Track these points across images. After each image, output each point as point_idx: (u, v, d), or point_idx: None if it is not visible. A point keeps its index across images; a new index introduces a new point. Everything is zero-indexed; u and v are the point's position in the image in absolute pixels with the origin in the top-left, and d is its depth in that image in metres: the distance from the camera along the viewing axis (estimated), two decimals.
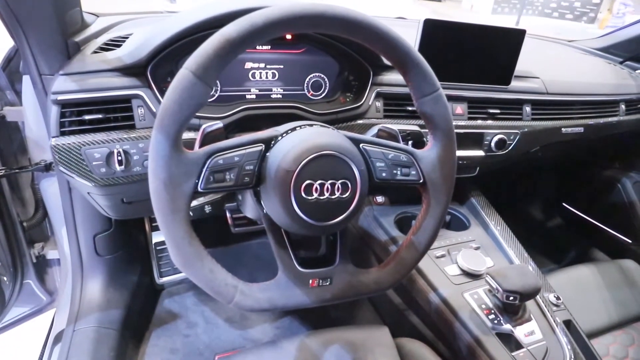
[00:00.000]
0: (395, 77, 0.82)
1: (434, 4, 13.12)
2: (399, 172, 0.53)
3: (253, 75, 0.76)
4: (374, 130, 0.62)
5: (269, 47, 0.76)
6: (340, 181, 0.47)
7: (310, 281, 0.52)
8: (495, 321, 0.73)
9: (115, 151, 0.64)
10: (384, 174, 0.53)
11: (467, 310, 0.75)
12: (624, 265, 1.05)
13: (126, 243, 1.06)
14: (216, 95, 0.75)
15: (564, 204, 1.52)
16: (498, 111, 0.92)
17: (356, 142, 0.51)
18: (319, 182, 0.46)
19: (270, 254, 0.54)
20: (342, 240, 0.55)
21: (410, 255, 0.56)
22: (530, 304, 0.77)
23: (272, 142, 0.49)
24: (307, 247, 0.57)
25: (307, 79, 0.80)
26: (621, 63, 1.25)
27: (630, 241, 1.28)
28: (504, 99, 0.93)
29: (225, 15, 0.63)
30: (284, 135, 0.49)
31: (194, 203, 0.76)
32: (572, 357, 0.69)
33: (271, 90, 0.79)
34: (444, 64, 0.85)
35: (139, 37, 0.70)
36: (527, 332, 0.72)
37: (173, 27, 0.64)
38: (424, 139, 0.72)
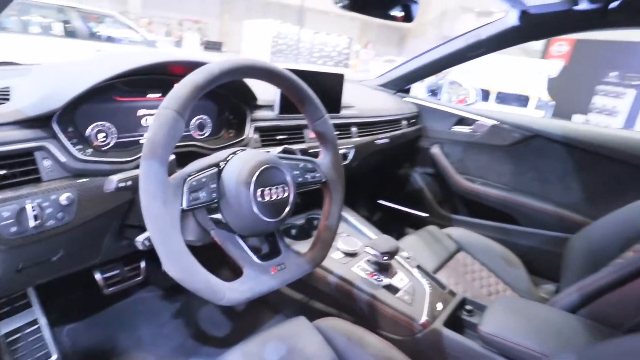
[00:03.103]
0: (266, 113, 1.06)
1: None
2: (309, 176, 0.77)
3: (146, 120, 0.86)
4: (278, 149, 0.84)
5: (160, 94, 0.88)
6: (280, 185, 0.67)
7: (271, 269, 0.68)
8: (379, 280, 1.03)
9: (29, 206, 0.63)
10: (299, 179, 0.75)
11: (358, 279, 1.02)
12: (430, 229, 1.55)
13: None
14: (112, 142, 0.81)
15: (378, 200, 2.05)
16: (337, 132, 1.28)
17: (281, 157, 0.72)
18: (268, 187, 0.65)
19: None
20: (280, 236, 0.74)
21: (329, 235, 0.79)
22: (393, 262, 1.11)
23: (222, 164, 0.64)
24: (254, 250, 0.73)
25: (193, 121, 0.95)
26: (395, 94, 1.86)
27: (427, 215, 1.87)
28: (338, 123, 1.30)
29: (141, 69, 0.74)
30: (228, 159, 0.66)
31: None
32: (427, 289, 1.05)
33: None
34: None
35: (38, 88, 0.71)
36: (399, 279, 1.04)
37: (90, 78, 0.70)
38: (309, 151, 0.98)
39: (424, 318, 0.94)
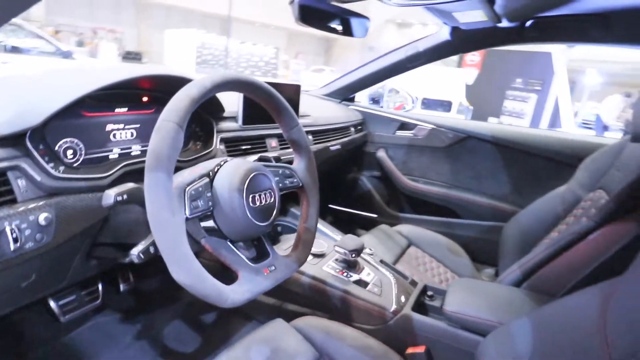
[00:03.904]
0: (230, 125, 1.10)
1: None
2: (287, 182, 0.83)
3: (114, 135, 0.86)
4: (254, 157, 0.88)
5: (127, 109, 0.88)
6: (267, 191, 0.72)
7: (264, 270, 0.72)
8: (349, 276, 1.11)
9: (7, 229, 0.62)
10: (280, 184, 0.81)
11: (330, 277, 1.09)
12: (382, 228, 1.66)
13: None
14: (81, 159, 0.80)
15: (329, 204, 2.15)
16: None
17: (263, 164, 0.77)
18: (257, 193, 0.70)
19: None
20: (267, 239, 0.78)
21: (309, 235, 0.85)
22: (359, 259, 1.19)
23: (211, 174, 0.68)
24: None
25: None
26: (340, 102, 1.97)
27: (376, 216, 2.00)
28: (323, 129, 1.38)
29: (116, 84, 0.75)
30: (217, 168, 0.69)
31: None
32: (392, 280, 1.15)
33: (130, 148, 0.90)
34: (254, 112, 1.19)
35: (7, 104, 0.69)
36: (366, 274, 1.13)
37: (67, 93, 0.69)
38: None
39: (393, 306, 1.03)
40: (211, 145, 1.02)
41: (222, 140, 1.06)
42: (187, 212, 0.60)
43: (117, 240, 0.85)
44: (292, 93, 1.31)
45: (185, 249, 0.57)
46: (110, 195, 0.62)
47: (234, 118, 1.13)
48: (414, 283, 1.17)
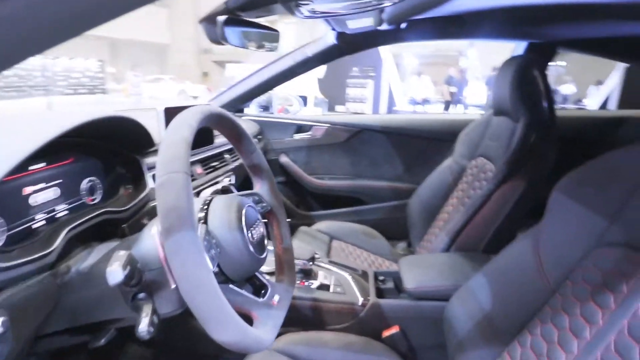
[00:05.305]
0: (156, 158, 0.99)
1: None
2: (259, 207, 0.81)
3: (34, 199, 0.71)
4: (210, 191, 0.83)
5: (44, 163, 0.73)
6: (257, 222, 0.70)
7: (272, 302, 0.71)
8: (310, 284, 1.13)
9: None
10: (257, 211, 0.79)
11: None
12: (302, 230, 1.68)
13: None
14: (4, 237, 0.64)
15: None
16: (215, 162, 1.29)
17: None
18: (252, 227, 0.68)
19: None
20: (260, 271, 0.76)
21: (289, 256, 0.85)
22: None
23: (204, 218, 0.63)
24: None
25: (82, 186, 0.82)
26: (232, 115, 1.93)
27: (290, 219, 2.04)
28: (216, 153, 1.32)
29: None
30: (206, 211, 0.65)
31: None
32: (347, 277, 1.22)
33: (54, 209, 0.75)
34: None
35: None
36: (324, 277, 1.18)
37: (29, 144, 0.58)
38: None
39: (360, 299, 1.11)
40: (144, 186, 0.92)
41: (153, 178, 0.96)
42: (212, 265, 0.55)
43: (73, 324, 0.70)
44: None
45: (227, 308, 0.53)
46: (117, 272, 0.52)
47: (156, 150, 1.03)
48: (364, 274, 1.27)
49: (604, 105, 8.89)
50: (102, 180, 0.87)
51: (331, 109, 8.69)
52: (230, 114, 0.73)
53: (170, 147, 0.54)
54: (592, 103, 9.04)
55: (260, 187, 0.85)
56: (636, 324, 0.58)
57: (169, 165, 0.52)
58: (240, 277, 0.68)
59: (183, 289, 0.50)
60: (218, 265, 0.64)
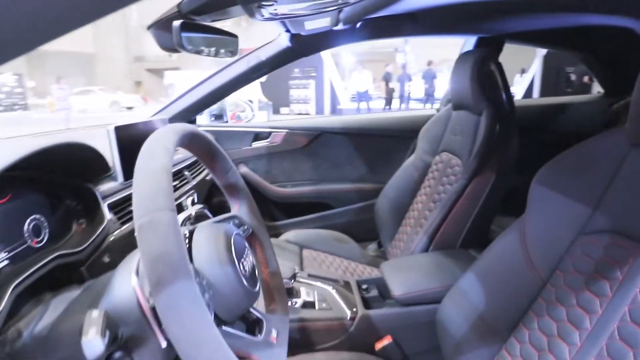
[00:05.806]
0: (110, 185, 0.88)
1: None
2: (241, 231, 0.73)
3: None
4: (185, 215, 0.74)
5: (9, 194, 0.61)
6: (245, 250, 0.63)
7: (270, 339, 0.64)
8: (294, 303, 1.07)
9: None
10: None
11: None
12: (283, 240, 1.65)
13: None
14: None
15: None
16: (176, 180, 1.18)
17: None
18: (242, 257, 0.60)
19: None
20: (254, 309, 0.69)
21: (278, 280, 0.78)
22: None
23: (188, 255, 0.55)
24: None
25: (25, 227, 0.70)
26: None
27: None
28: (175, 171, 1.21)
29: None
30: (187, 243, 0.57)
31: None
32: (331, 290, 1.16)
33: None
34: (131, 162, 0.99)
35: None
36: (306, 294, 1.11)
37: None
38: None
39: (348, 313, 1.06)
40: (101, 218, 0.80)
41: (111, 207, 0.85)
42: (210, 314, 0.47)
43: None
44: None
45: (229, 352, 0.45)
46: (95, 343, 0.42)
47: (109, 176, 0.91)
48: (347, 284, 1.22)
49: (529, 91, 9.65)
50: (49, 218, 0.74)
51: (276, 111, 8.60)
52: (204, 132, 0.65)
53: (149, 178, 0.45)
54: (518, 90, 9.75)
55: (238, 208, 0.77)
56: (637, 310, 0.59)
57: (150, 202, 0.43)
58: (235, 317, 0.61)
59: (184, 351, 0.42)
60: (210, 306, 0.56)
